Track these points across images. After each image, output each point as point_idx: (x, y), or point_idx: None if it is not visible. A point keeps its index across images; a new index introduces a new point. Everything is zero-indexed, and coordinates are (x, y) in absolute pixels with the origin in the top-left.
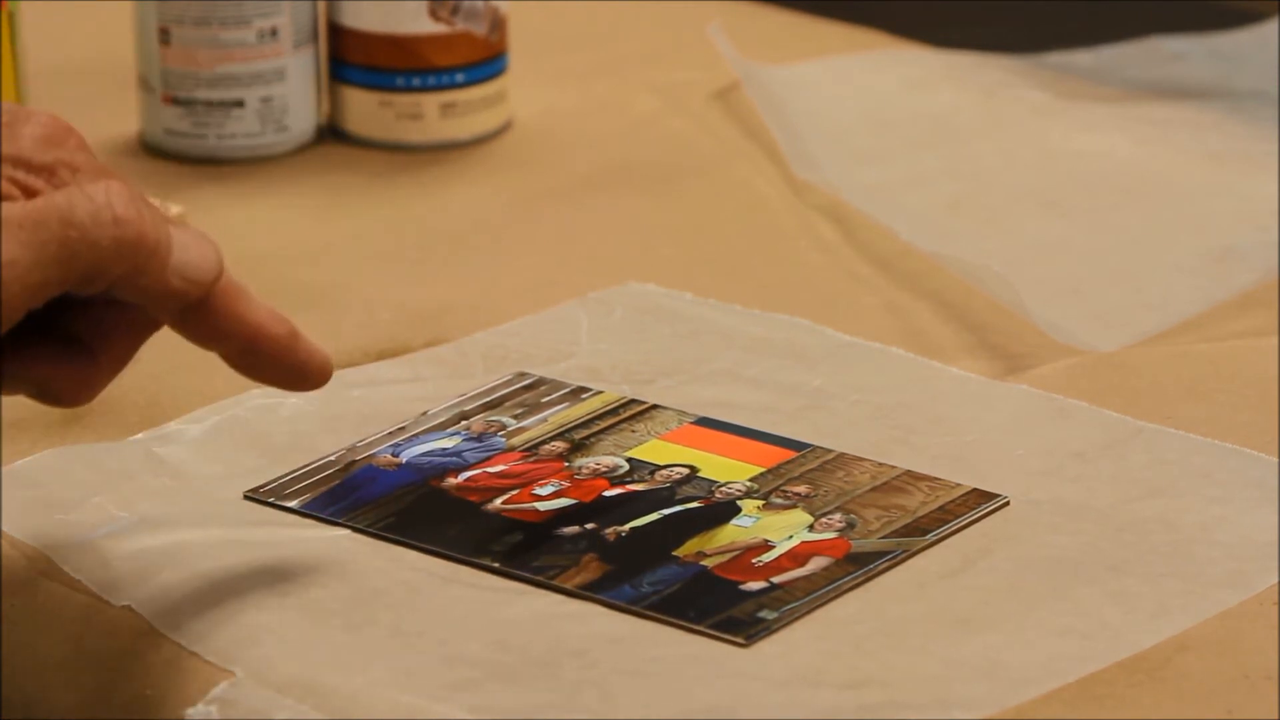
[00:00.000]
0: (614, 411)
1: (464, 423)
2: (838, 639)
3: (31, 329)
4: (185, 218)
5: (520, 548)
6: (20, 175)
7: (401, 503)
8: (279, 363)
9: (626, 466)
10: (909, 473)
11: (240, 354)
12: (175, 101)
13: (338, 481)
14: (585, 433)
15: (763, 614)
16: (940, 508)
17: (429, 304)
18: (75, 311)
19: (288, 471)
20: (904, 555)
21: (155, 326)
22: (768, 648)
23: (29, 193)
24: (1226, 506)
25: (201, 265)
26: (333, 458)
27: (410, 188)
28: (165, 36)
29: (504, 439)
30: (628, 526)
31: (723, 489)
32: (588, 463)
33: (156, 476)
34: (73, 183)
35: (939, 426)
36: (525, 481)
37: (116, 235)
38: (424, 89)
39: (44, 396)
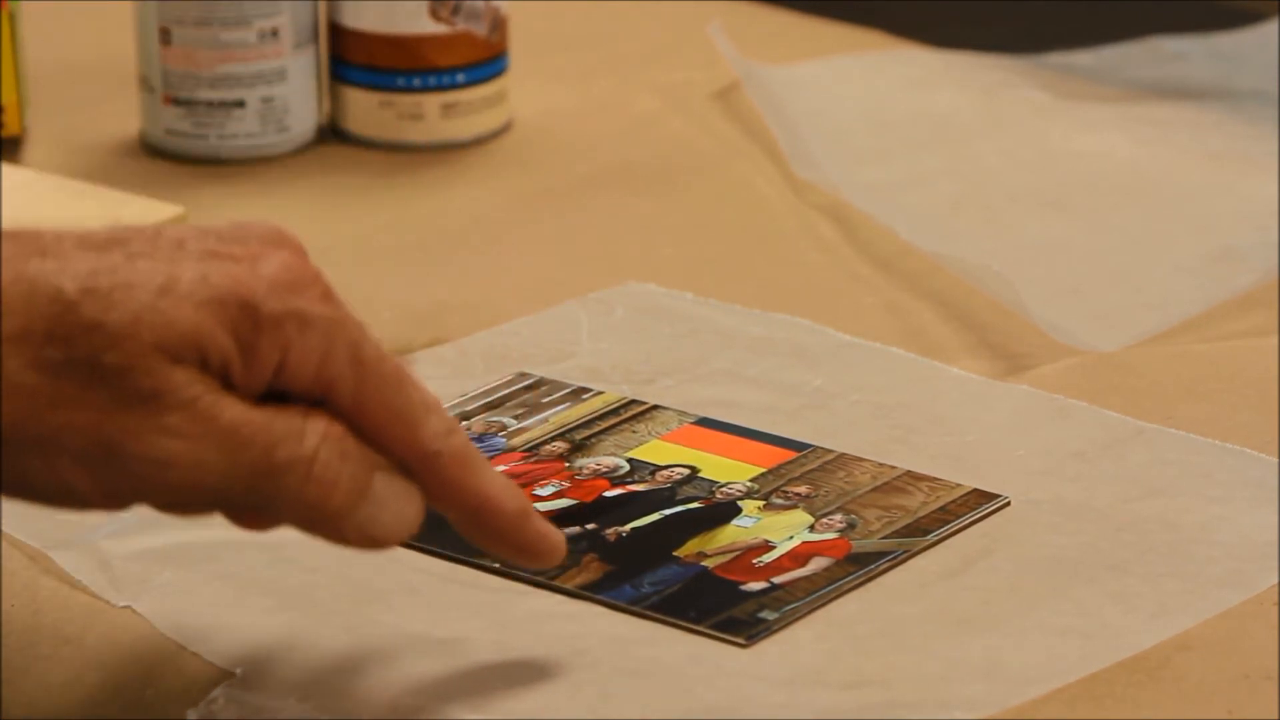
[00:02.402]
0: (614, 412)
1: (464, 423)
2: (838, 639)
3: None
4: (185, 218)
5: None
6: (243, 330)
7: None
8: (506, 539)
9: (627, 467)
10: (910, 473)
11: (465, 524)
12: (176, 102)
13: None
14: (586, 433)
15: (763, 614)
16: (941, 508)
17: (429, 304)
18: None
19: None
20: (905, 555)
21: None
22: (768, 648)
23: (245, 350)
24: (1226, 506)
25: (392, 527)
26: None
27: (411, 188)
28: (166, 37)
29: (505, 439)
30: (628, 527)
31: (723, 489)
32: (588, 463)
33: None
34: (298, 343)
35: (939, 426)
36: (526, 482)
37: (303, 492)
38: (424, 89)
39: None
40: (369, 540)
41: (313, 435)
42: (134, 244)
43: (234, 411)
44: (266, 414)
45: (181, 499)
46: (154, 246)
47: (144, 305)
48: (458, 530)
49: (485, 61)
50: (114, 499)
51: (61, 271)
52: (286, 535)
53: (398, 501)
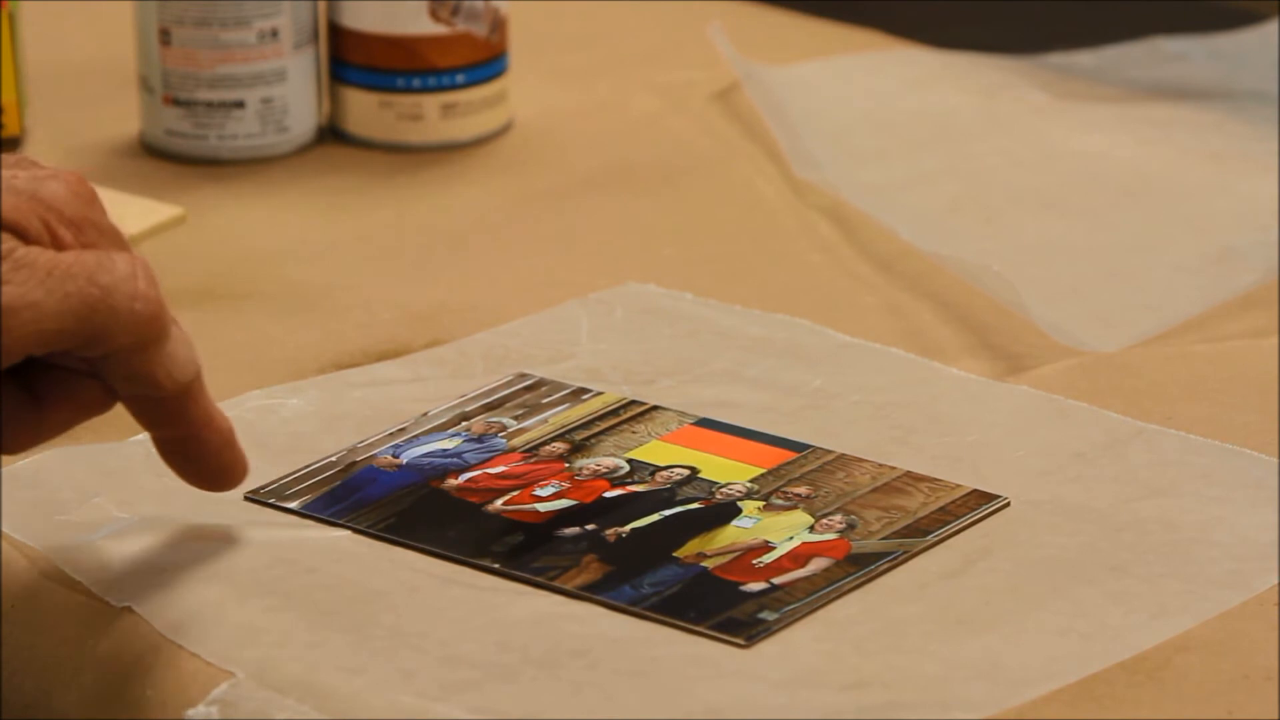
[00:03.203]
0: (614, 412)
1: (464, 423)
2: (838, 640)
3: None
4: (185, 219)
5: (521, 548)
6: (51, 220)
7: (402, 504)
8: (213, 457)
9: (627, 467)
10: (909, 474)
11: (177, 441)
12: (176, 102)
13: (338, 482)
14: (586, 434)
15: (763, 615)
16: (941, 508)
17: (429, 304)
18: (40, 368)
19: (288, 473)
20: (904, 556)
21: (102, 409)
22: (768, 648)
23: (58, 243)
24: (1226, 507)
25: (186, 366)
26: (333, 459)
27: (410, 188)
28: (166, 37)
29: (504, 440)
30: (628, 527)
31: (723, 490)
32: (588, 463)
33: (157, 477)
34: (100, 246)
35: (939, 427)
36: (526, 482)
37: (134, 309)
38: (424, 90)
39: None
40: (171, 379)
41: (123, 261)
42: None
43: (47, 255)
44: (75, 252)
45: (24, 347)
46: None
47: None
48: (157, 448)
49: (485, 62)
50: None
51: None
52: (286, 536)
53: (185, 343)
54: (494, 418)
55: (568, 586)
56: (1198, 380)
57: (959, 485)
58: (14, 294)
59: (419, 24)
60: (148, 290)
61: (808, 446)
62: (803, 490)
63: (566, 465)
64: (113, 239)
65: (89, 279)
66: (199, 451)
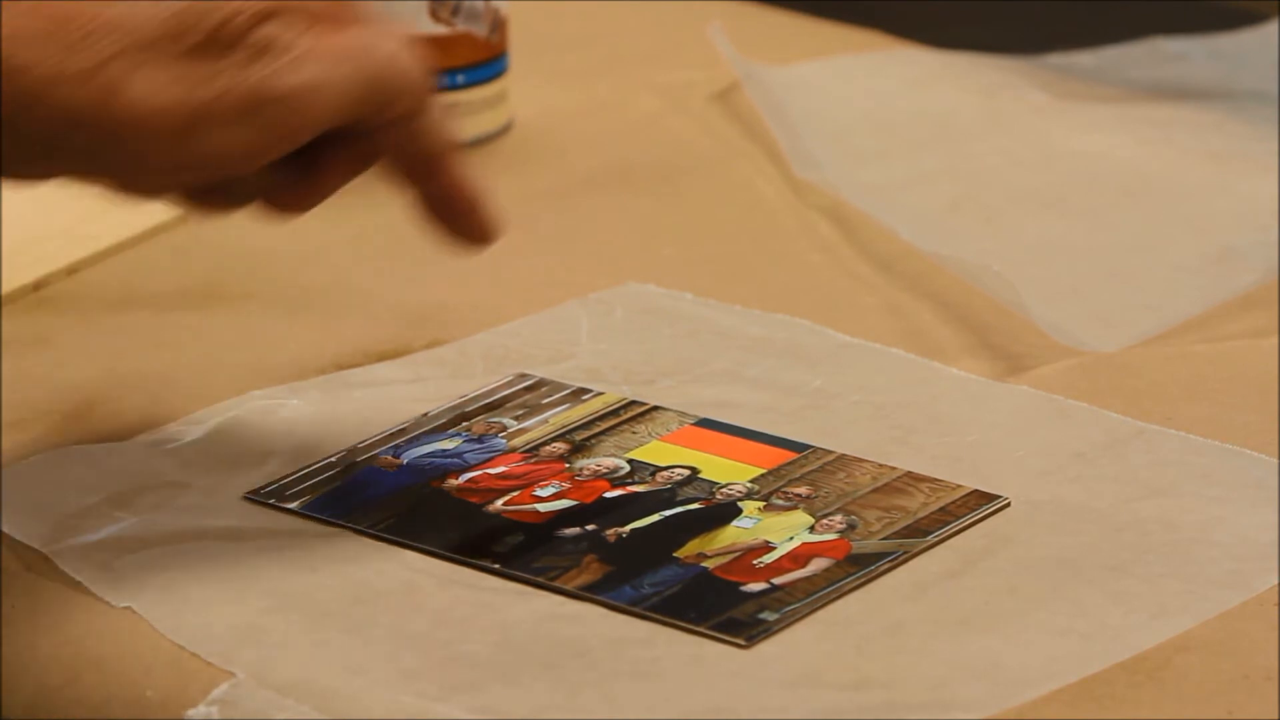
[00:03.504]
0: (615, 413)
1: (465, 424)
2: (838, 640)
3: None
4: (185, 219)
5: (521, 549)
6: (314, 10)
7: (402, 504)
8: (465, 215)
9: (627, 468)
10: (910, 474)
11: (434, 196)
12: None
13: (339, 483)
14: (586, 434)
15: (764, 615)
16: (941, 509)
17: (429, 304)
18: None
19: (288, 473)
20: (905, 556)
21: (368, 165)
22: (768, 649)
23: (325, 31)
24: (1226, 507)
25: (448, 127)
26: (334, 459)
27: None
28: None
29: (505, 440)
30: (628, 528)
31: (723, 490)
32: (588, 464)
33: (158, 478)
34: (360, 26)
35: (939, 427)
36: (526, 483)
37: (408, 78)
38: None
39: (267, 204)
40: (444, 136)
41: (389, 38)
42: None
43: (326, 40)
44: (349, 33)
45: (328, 119)
46: None
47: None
48: (421, 205)
49: (485, 62)
50: (274, 143)
51: None
52: (286, 536)
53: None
54: (494, 418)
55: (568, 587)
56: (1198, 380)
57: (959, 485)
58: (308, 78)
59: (419, 24)
60: (415, 61)
61: (808, 447)
62: (803, 490)
63: (567, 465)
64: (369, 18)
65: (367, 56)
66: (456, 206)
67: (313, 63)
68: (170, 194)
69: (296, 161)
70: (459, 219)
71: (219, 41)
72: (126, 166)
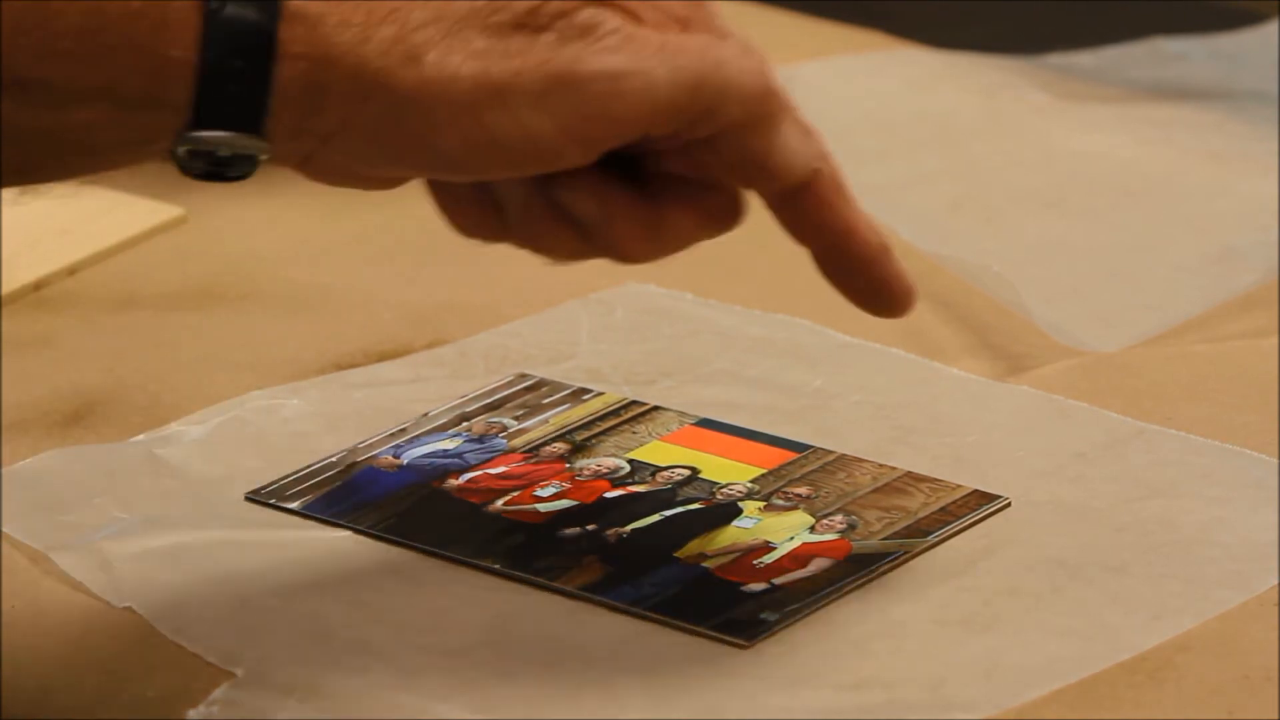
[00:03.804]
0: (615, 413)
1: (465, 424)
2: (839, 640)
3: (612, 167)
4: (185, 219)
5: (521, 549)
6: (663, 11)
7: (403, 504)
8: (862, 273)
9: (627, 468)
10: (910, 474)
11: (825, 253)
12: None
13: (339, 483)
14: (586, 434)
15: (764, 615)
16: (941, 509)
17: (429, 304)
18: (659, 176)
19: (289, 473)
20: (905, 556)
21: (728, 221)
22: (769, 649)
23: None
24: (1227, 507)
25: (799, 156)
26: (334, 459)
27: (411, 188)
28: None
29: (505, 440)
30: (629, 528)
31: (724, 490)
32: (589, 464)
33: (158, 478)
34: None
35: (939, 427)
36: (526, 483)
37: (744, 80)
38: None
39: (600, 239)
40: (788, 164)
41: (734, 42)
42: None
43: (658, 34)
44: (685, 35)
45: (637, 117)
46: None
47: None
48: (815, 263)
49: None
50: (576, 138)
51: None
52: (287, 536)
53: (804, 134)
54: (495, 418)
55: (568, 587)
56: (1198, 380)
57: (960, 485)
58: (620, 64)
59: None
60: (759, 66)
61: (808, 447)
62: (803, 490)
63: (567, 465)
64: (719, 27)
65: (699, 53)
66: (846, 265)
67: (630, 51)
68: (472, 184)
69: (633, 194)
70: (847, 279)
71: (536, 20)
72: (417, 146)
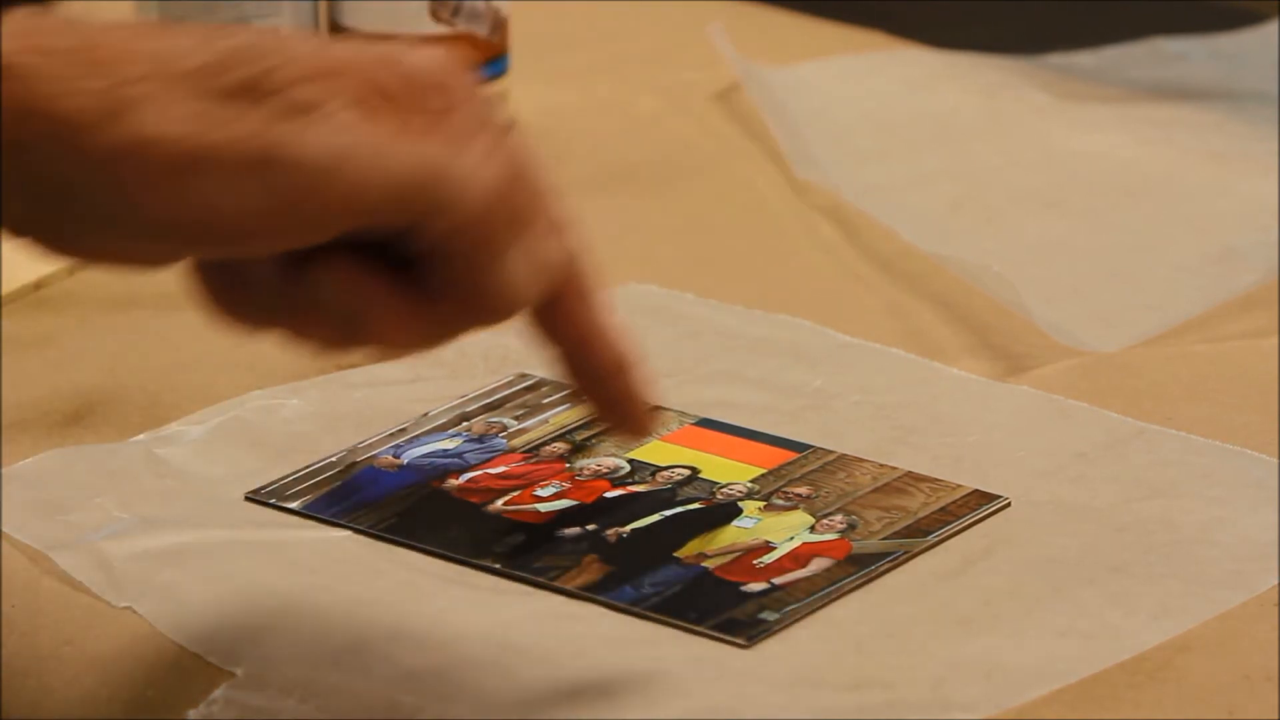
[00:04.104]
0: None
1: (465, 424)
2: (839, 640)
3: (363, 247)
4: None
5: (521, 549)
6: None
7: (403, 504)
8: (599, 386)
9: (627, 467)
10: (910, 474)
11: (566, 359)
12: None
13: (339, 483)
14: (586, 434)
15: (764, 615)
16: (941, 509)
17: None
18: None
19: (289, 473)
20: (905, 556)
21: (503, 314)
22: (769, 649)
23: (398, 119)
24: (1227, 507)
25: (525, 284)
26: (334, 459)
27: None
28: None
29: (505, 440)
30: (629, 528)
31: (724, 490)
32: (589, 464)
33: (158, 477)
34: (456, 130)
35: (940, 427)
36: (526, 483)
37: (467, 198)
38: None
39: (357, 328)
40: (504, 295)
41: (479, 145)
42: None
43: (389, 126)
44: (416, 121)
45: (347, 209)
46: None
47: (306, 49)
48: (561, 369)
49: (486, 62)
50: (288, 218)
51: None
52: (287, 536)
53: (544, 257)
54: (495, 418)
55: (568, 587)
56: (1198, 380)
57: (960, 485)
58: (335, 149)
59: (420, 24)
60: (491, 182)
61: (808, 447)
62: (803, 490)
63: (567, 465)
64: (479, 135)
65: (421, 157)
66: (585, 375)
67: (348, 136)
68: (174, 262)
69: (402, 287)
70: (593, 383)
71: (258, 89)
72: (118, 212)
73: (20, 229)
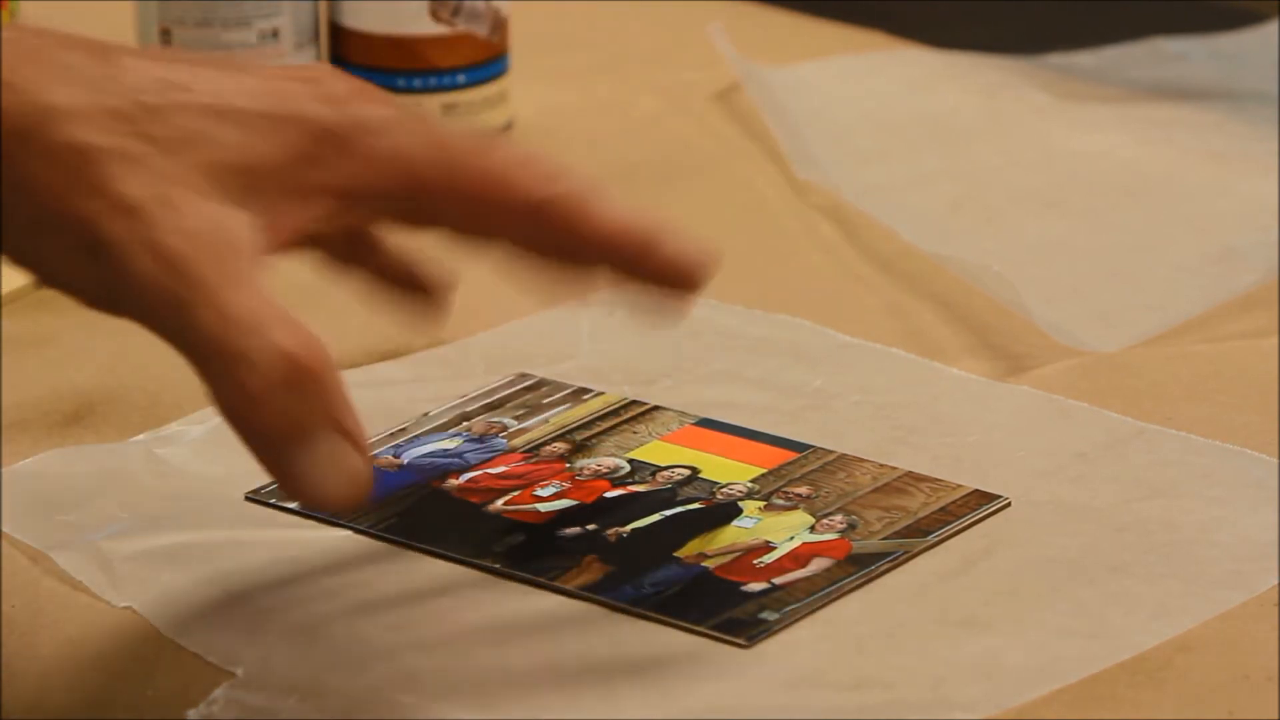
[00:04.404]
0: (615, 412)
1: (465, 424)
2: (839, 640)
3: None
4: None
5: (521, 549)
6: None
7: (403, 504)
8: (643, 266)
9: (628, 467)
10: (910, 474)
11: (609, 262)
12: None
13: None
14: (586, 434)
15: (764, 615)
16: (941, 509)
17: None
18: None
19: None
20: (905, 556)
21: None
22: (769, 649)
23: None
24: (1227, 507)
25: (336, 484)
26: None
27: None
28: (166, 37)
29: (505, 440)
30: (629, 527)
31: (724, 490)
32: (589, 464)
33: (158, 477)
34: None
35: (940, 427)
36: (527, 483)
37: (144, 267)
38: (425, 90)
39: None
40: (305, 487)
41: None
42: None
43: (199, 204)
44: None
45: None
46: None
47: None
48: (612, 275)
49: (486, 62)
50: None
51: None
52: (287, 536)
53: (345, 460)
54: (495, 418)
55: (568, 586)
56: (1198, 380)
57: (960, 485)
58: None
59: (420, 24)
60: (173, 251)
61: (808, 447)
62: (803, 490)
63: (567, 465)
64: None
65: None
66: (622, 265)
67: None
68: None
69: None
70: (637, 268)
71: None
72: None
73: None
